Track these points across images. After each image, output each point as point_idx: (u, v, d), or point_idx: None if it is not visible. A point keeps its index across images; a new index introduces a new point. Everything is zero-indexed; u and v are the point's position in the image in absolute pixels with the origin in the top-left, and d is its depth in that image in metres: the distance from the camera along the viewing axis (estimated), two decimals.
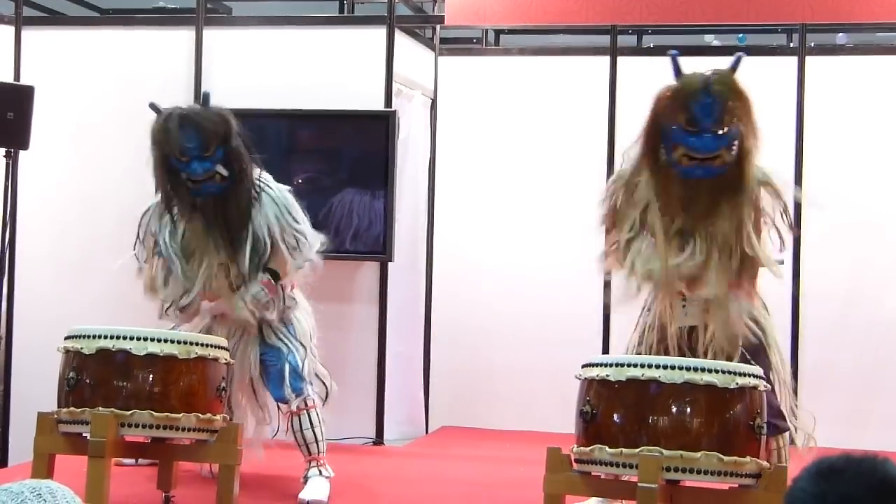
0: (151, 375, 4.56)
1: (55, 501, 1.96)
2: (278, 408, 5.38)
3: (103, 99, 7.38)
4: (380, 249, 7.00)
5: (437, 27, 7.80)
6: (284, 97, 7.13)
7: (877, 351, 7.26)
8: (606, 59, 7.49)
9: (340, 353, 6.50)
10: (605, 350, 7.09)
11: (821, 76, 7.30)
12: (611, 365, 4.12)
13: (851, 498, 1.86)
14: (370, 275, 7.15)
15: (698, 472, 3.98)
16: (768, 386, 4.23)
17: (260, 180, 5.26)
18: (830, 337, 7.21)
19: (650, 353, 4.68)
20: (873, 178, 7.38)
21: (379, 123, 7.02)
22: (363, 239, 7.00)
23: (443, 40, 7.99)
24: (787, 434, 4.63)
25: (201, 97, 5.21)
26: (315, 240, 5.33)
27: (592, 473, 4.15)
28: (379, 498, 5.58)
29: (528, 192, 7.74)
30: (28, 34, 7.47)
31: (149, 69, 7.26)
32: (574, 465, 4.15)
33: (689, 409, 4.02)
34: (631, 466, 3.98)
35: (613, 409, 4.08)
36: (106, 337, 4.57)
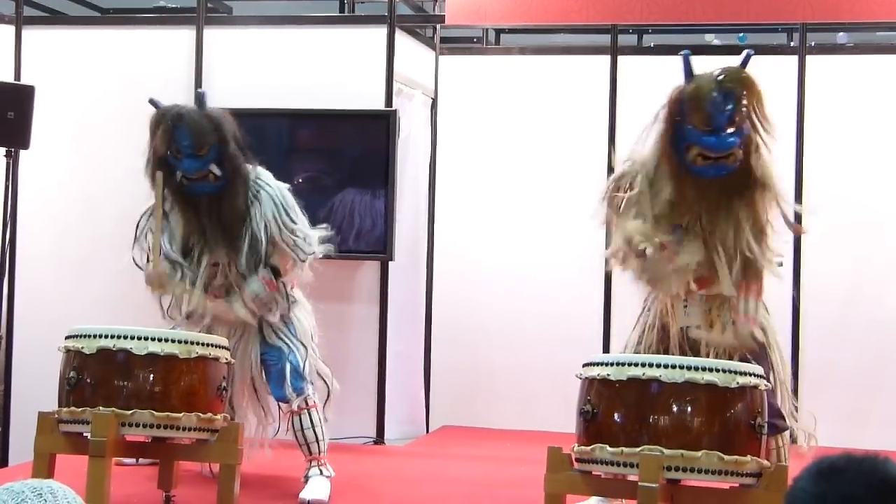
0: (152, 375, 4.56)
1: (56, 501, 1.96)
2: (279, 407, 5.38)
3: (104, 98, 7.38)
4: (380, 249, 7.00)
5: (438, 26, 7.79)
6: (285, 97, 7.13)
7: (877, 350, 7.26)
8: (607, 59, 7.49)
9: (341, 352, 6.50)
10: (606, 349, 7.09)
11: (821, 75, 7.31)
12: (611, 364, 4.12)
13: (852, 497, 1.86)
14: (371, 274, 7.15)
15: (699, 472, 3.98)
16: (769, 385, 4.23)
17: (259, 179, 5.26)
18: (831, 336, 7.21)
19: (649, 353, 4.68)
20: (874, 177, 7.37)
21: (379, 123, 7.02)
22: (364, 238, 7.00)
23: (443, 40, 7.99)
24: (786, 433, 4.63)
25: (195, 97, 5.21)
26: (314, 237, 5.33)
27: (593, 473, 4.15)
28: (379, 497, 5.58)
29: (528, 191, 7.74)
30: (28, 34, 7.47)
31: (149, 69, 7.26)
32: (575, 464, 4.15)
33: (689, 409, 4.02)
34: (632, 466, 3.98)
35: (614, 409, 4.08)
36: (106, 336, 4.57)
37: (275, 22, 7.53)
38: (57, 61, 7.46)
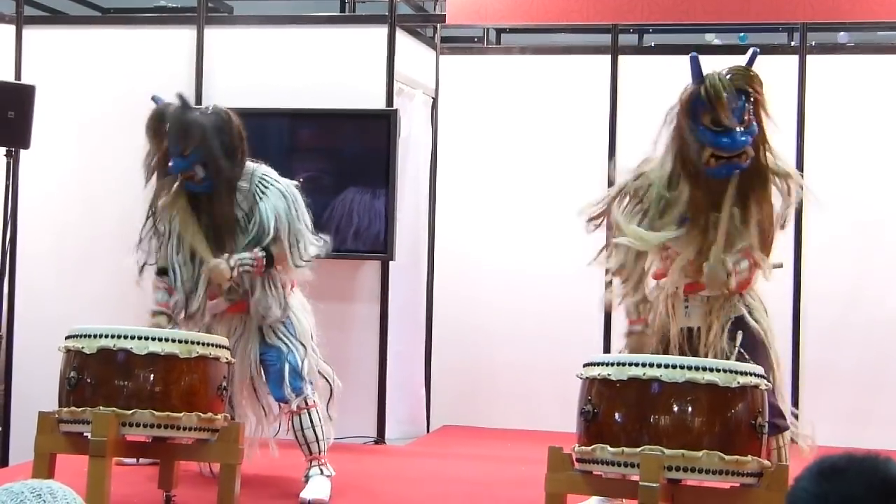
0: (152, 375, 4.56)
1: (55, 502, 1.96)
2: (279, 407, 5.37)
3: (105, 98, 7.38)
4: (381, 248, 6.99)
5: (439, 26, 7.79)
6: (286, 96, 7.13)
7: (878, 350, 7.25)
8: (608, 58, 7.50)
9: (342, 352, 6.50)
10: (607, 349, 7.09)
11: (821, 75, 7.31)
12: (612, 364, 4.12)
13: (853, 498, 1.86)
14: (371, 274, 7.15)
15: (700, 472, 3.98)
16: (769, 385, 4.23)
17: (265, 177, 5.26)
18: (832, 336, 7.21)
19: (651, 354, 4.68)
20: (874, 177, 7.37)
21: (380, 122, 7.02)
22: (364, 238, 7.00)
23: (444, 39, 7.99)
24: (787, 433, 4.63)
25: (177, 99, 5.21)
26: (312, 243, 5.32)
27: (594, 472, 4.15)
28: (380, 497, 5.58)
29: (529, 190, 7.74)
30: (29, 33, 7.47)
31: (150, 68, 7.26)
32: (575, 464, 4.15)
33: (690, 409, 4.02)
34: (632, 465, 3.98)
35: (615, 409, 4.07)
36: (107, 336, 4.57)
37: (275, 22, 7.53)
38: (57, 61, 7.46)
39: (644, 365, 4.07)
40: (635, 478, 3.99)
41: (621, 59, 7.48)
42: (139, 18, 8.05)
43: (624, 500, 4.57)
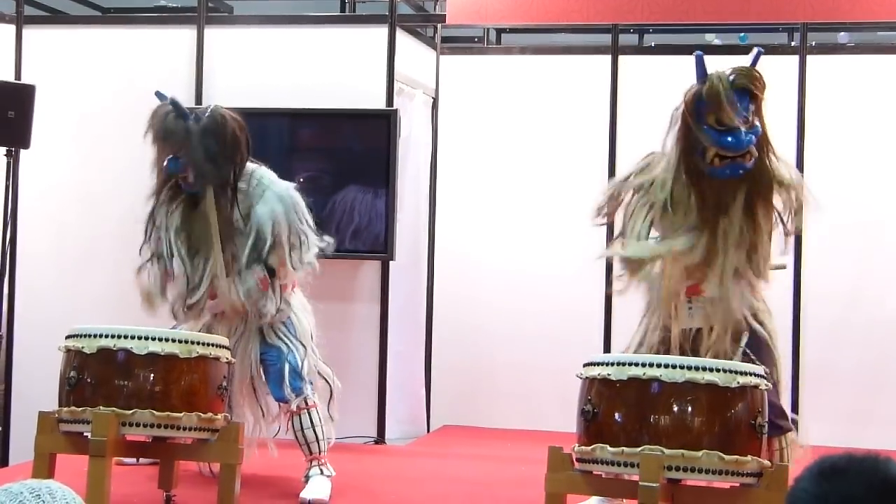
0: (152, 374, 4.56)
1: (54, 502, 1.95)
2: (279, 407, 5.37)
3: (105, 98, 7.38)
4: (381, 248, 6.99)
5: (439, 26, 7.79)
6: (286, 96, 7.13)
7: (878, 350, 7.25)
8: (608, 58, 7.50)
9: (342, 352, 6.50)
10: (607, 348, 7.09)
11: (822, 75, 7.31)
12: (612, 364, 4.12)
13: (853, 498, 1.85)
14: (371, 274, 7.14)
15: (700, 472, 3.98)
16: (769, 385, 4.23)
17: (263, 179, 5.27)
18: (832, 336, 7.21)
19: (651, 354, 4.68)
20: (875, 177, 7.37)
21: (380, 122, 7.02)
22: (364, 238, 7.00)
23: (444, 39, 7.99)
24: (789, 434, 4.62)
25: (170, 103, 5.23)
26: (315, 243, 5.32)
27: (594, 472, 4.15)
28: (380, 497, 5.57)
29: (529, 190, 7.74)
30: (29, 33, 7.47)
31: (150, 68, 7.25)
32: (575, 464, 4.15)
33: (690, 409, 4.02)
34: (632, 465, 3.98)
35: (615, 408, 4.07)
36: (107, 336, 4.57)
37: (276, 21, 7.53)
38: (57, 61, 7.46)
39: (644, 365, 4.07)
40: (635, 478, 3.99)
41: (621, 59, 7.48)
42: (139, 18, 8.05)
43: (624, 500, 4.57)
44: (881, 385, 7.24)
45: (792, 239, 4.87)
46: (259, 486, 5.45)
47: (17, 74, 7.38)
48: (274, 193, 5.24)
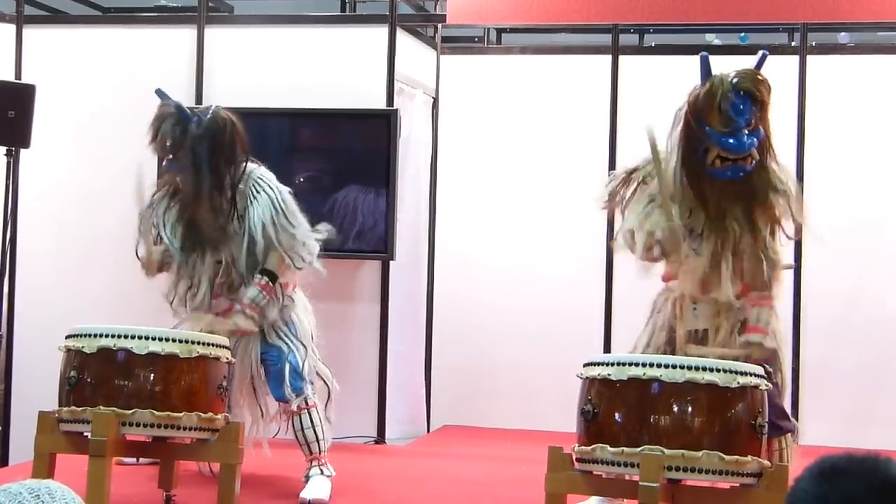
0: (153, 374, 4.56)
1: (53, 502, 1.95)
2: (279, 407, 5.37)
3: (105, 98, 7.38)
4: (381, 248, 6.99)
5: (439, 26, 7.79)
6: (286, 96, 7.13)
7: (878, 350, 7.25)
8: (608, 58, 7.50)
9: (342, 352, 6.50)
10: (607, 348, 7.09)
11: (822, 75, 7.31)
12: (612, 364, 4.12)
13: (853, 498, 1.85)
14: (371, 274, 7.14)
15: (700, 472, 3.98)
16: (769, 385, 4.22)
17: (261, 180, 5.27)
18: (832, 336, 7.21)
19: (658, 354, 4.67)
20: (875, 177, 7.37)
21: (380, 122, 7.02)
22: (365, 238, 7.00)
23: (444, 39, 7.99)
24: (790, 435, 4.62)
25: (174, 107, 5.24)
26: (313, 244, 5.32)
27: (594, 472, 4.15)
28: (380, 497, 5.58)
29: (529, 190, 7.74)
30: (29, 33, 7.47)
31: (150, 68, 7.25)
32: (575, 464, 4.15)
33: (690, 409, 4.02)
34: (632, 465, 3.98)
35: (615, 408, 4.07)
36: (107, 336, 4.57)
37: (276, 21, 7.52)
38: (58, 60, 7.46)
39: (644, 365, 4.07)
40: (635, 478, 3.99)
41: (622, 59, 7.48)
42: (139, 18, 8.05)
43: (624, 501, 4.57)
44: (881, 385, 7.24)
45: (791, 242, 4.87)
46: (259, 486, 5.45)
47: (17, 74, 7.38)
48: (266, 197, 5.24)
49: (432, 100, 7.77)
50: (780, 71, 7.08)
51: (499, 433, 7.44)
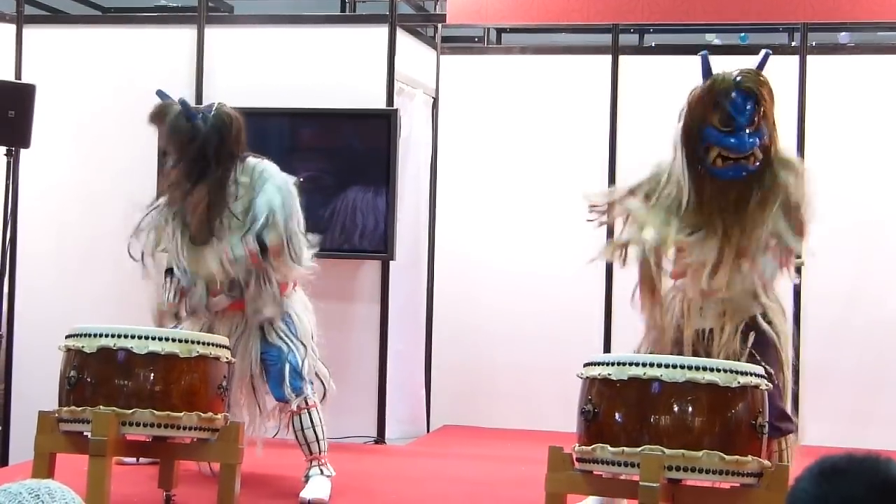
0: (153, 374, 4.55)
1: (53, 502, 1.95)
2: (279, 407, 5.37)
3: (105, 97, 7.38)
4: (381, 248, 6.99)
5: (439, 26, 7.79)
6: (286, 96, 7.13)
7: (879, 350, 7.25)
8: (608, 58, 7.50)
9: (342, 351, 6.50)
10: (607, 348, 7.09)
11: (822, 75, 7.31)
12: (612, 364, 4.11)
13: (853, 498, 1.85)
14: (372, 273, 7.14)
15: (700, 472, 3.98)
16: (769, 385, 4.22)
17: (265, 172, 5.27)
18: (832, 336, 7.21)
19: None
20: (875, 177, 7.37)
21: (380, 122, 7.02)
22: (365, 237, 7.00)
23: (444, 39, 7.99)
24: (791, 436, 4.61)
25: (179, 103, 5.24)
26: (303, 246, 5.31)
27: (594, 472, 4.14)
28: (380, 497, 5.58)
29: (529, 190, 7.74)
30: (29, 32, 7.47)
31: (150, 68, 7.26)
32: (576, 463, 4.15)
33: (690, 408, 4.01)
34: (632, 465, 3.98)
35: (615, 408, 4.07)
36: (107, 335, 4.56)
37: (276, 21, 7.53)
38: (58, 60, 7.47)
39: (644, 365, 4.06)
40: (636, 478, 3.98)
41: (622, 59, 7.48)
42: (139, 18, 8.05)
43: (624, 501, 4.56)
44: (881, 385, 7.24)
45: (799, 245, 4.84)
46: (259, 486, 5.45)
47: (18, 74, 7.38)
48: (273, 185, 5.24)
49: (432, 100, 7.77)
50: (780, 71, 7.09)
51: (499, 433, 7.44)
